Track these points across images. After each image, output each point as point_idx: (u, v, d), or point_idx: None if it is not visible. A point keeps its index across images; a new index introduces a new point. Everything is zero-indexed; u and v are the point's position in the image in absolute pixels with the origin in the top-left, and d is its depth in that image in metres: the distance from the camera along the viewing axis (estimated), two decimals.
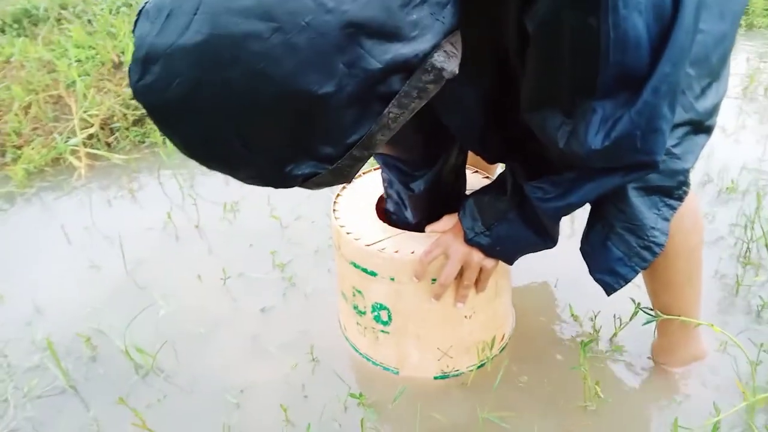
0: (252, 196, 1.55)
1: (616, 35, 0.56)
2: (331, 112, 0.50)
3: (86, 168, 1.77)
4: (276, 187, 0.58)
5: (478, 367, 1.01)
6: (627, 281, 0.84)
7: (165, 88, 0.49)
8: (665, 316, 0.95)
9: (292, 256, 1.35)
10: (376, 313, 0.96)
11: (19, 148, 1.85)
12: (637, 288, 0.98)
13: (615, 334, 1.08)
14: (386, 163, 0.96)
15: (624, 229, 0.81)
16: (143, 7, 0.50)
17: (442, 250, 0.87)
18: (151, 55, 0.48)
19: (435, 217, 0.92)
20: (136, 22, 0.50)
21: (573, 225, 1.35)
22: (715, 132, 0.82)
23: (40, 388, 1.07)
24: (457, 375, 1.01)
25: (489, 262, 0.87)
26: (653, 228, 0.81)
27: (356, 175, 1.05)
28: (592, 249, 0.85)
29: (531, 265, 1.24)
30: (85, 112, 1.89)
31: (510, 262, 0.89)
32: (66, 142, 1.83)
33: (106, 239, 1.45)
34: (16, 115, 1.90)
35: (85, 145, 1.83)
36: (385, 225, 0.97)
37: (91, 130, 1.86)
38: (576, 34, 0.59)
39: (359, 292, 0.96)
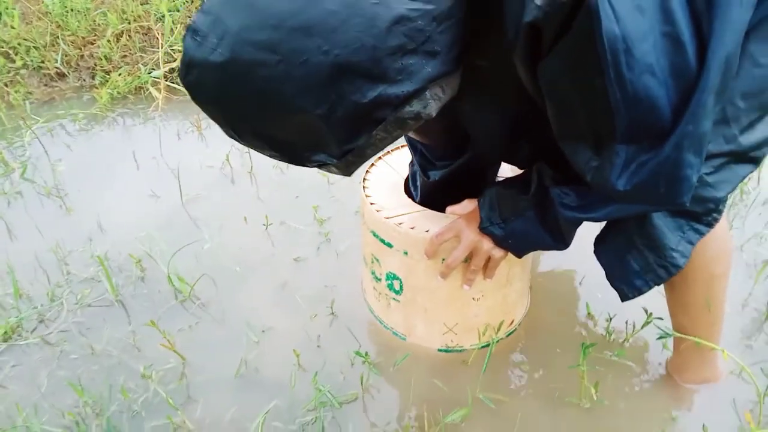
0: None
1: (624, 94, 0.59)
2: (327, 126, 0.60)
3: (164, 100, 1.89)
4: (296, 165, 0.67)
5: (481, 347, 1.05)
6: (641, 293, 0.87)
7: (201, 87, 0.62)
8: (677, 335, 0.95)
9: (332, 213, 1.41)
10: (389, 282, 1.01)
11: (108, 73, 2.00)
12: (661, 296, 0.97)
13: (626, 340, 1.08)
14: (412, 145, 1.01)
15: (644, 245, 0.82)
16: (191, 24, 0.61)
17: (454, 233, 0.90)
18: (192, 63, 0.61)
19: (456, 200, 0.94)
20: (185, 34, 0.62)
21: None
22: None
23: (91, 298, 1.20)
24: (459, 351, 1.05)
25: (498, 252, 0.89)
26: (673, 249, 0.81)
27: (388, 150, 1.11)
28: (611, 258, 0.87)
29: (559, 259, 1.26)
30: (170, 46, 2.00)
31: (519, 255, 0.90)
32: (149, 73, 1.96)
33: (170, 170, 1.56)
34: (109, 41, 2.04)
35: (166, 78, 1.94)
36: (409, 201, 1.00)
37: (174, 65, 1.96)
38: (583, 93, 0.63)
39: (377, 260, 1.01)
